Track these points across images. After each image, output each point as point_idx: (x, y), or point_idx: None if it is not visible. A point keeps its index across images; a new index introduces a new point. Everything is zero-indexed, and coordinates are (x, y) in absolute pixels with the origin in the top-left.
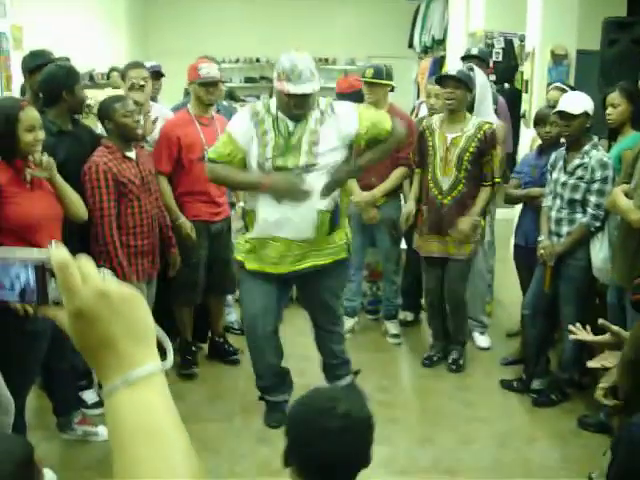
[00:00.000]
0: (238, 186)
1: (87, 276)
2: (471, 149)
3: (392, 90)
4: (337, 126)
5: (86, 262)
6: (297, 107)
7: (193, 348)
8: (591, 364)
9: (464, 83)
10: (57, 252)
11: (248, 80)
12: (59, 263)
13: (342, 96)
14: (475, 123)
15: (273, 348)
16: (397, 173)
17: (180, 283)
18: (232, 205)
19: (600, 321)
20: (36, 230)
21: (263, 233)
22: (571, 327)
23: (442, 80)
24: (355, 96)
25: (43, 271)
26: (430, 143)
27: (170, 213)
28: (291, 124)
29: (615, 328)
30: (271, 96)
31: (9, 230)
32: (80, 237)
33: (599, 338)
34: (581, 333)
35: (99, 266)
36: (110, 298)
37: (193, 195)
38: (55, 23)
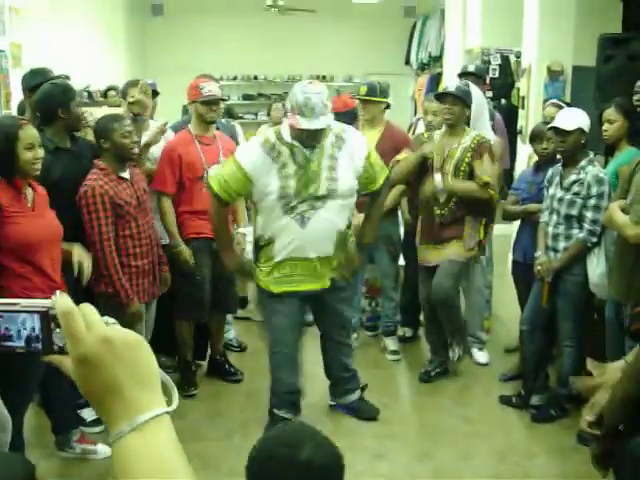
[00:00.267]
0: (214, 237)
1: (91, 323)
2: (466, 159)
3: (388, 107)
4: (351, 153)
5: (90, 309)
6: (310, 139)
7: (193, 368)
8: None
9: (462, 99)
10: (61, 300)
11: (246, 97)
12: (63, 311)
13: (337, 115)
14: (472, 135)
15: (296, 366)
16: (394, 191)
17: (186, 301)
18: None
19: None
20: (36, 250)
21: (287, 255)
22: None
23: (441, 96)
24: (350, 115)
25: (48, 319)
26: (430, 156)
27: (170, 237)
28: (307, 151)
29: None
30: (269, 114)
31: (9, 249)
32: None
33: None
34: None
35: (101, 295)
36: (114, 344)
37: (194, 213)
38: (54, 40)
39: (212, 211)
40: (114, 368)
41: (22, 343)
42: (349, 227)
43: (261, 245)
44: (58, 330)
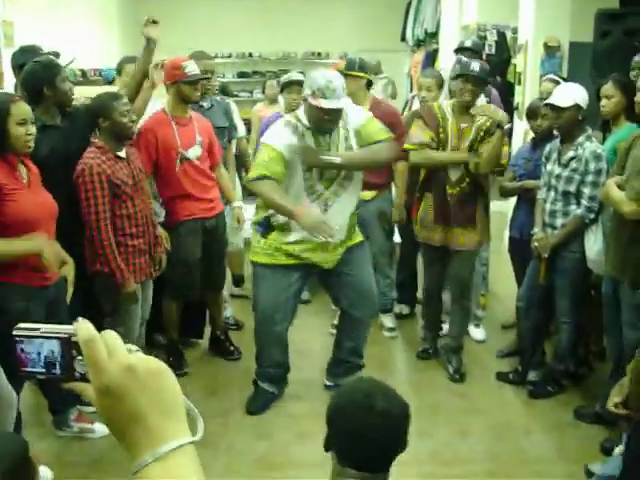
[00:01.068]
0: (274, 207)
1: (113, 351)
2: (479, 138)
3: (370, 85)
4: (353, 126)
5: (112, 336)
6: (330, 122)
7: (180, 346)
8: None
9: (483, 79)
10: (82, 327)
11: (241, 75)
12: (85, 338)
13: None
14: (484, 109)
15: (283, 345)
16: (400, 169)
17: (177, 281)
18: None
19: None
20: (33, 227)
21: (303, 238)
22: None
23: (464, 77)
24: None
25: (69, 345)
26: (442, 131)
27: None
28: (326, 136)
29: None
30: (264, 91)
31: (6, 226)
32: (73, 235)
33: None
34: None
35: (97, 272)
36: (137, 373)
37: (180, 198)
38: (47, 19)
39: (259, 187)
40: (138, 398)
41: (42, 369)
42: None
43: (274, 225)
44: (80, 357)
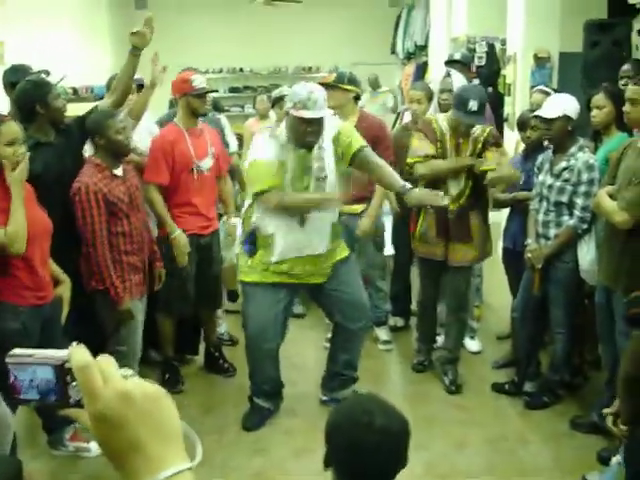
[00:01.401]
0: (306, 207)
1: (108, 377)
2: (477, 151)
3: (358, 98)
4: (328, 139)
5: (107, 362)
6: (312, 134)
7: (175, 363)
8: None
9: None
10: (77, 353)
11: (232, 90)
12: (79, 365)
13: None
14: (479, 126)
15: (275, 361)
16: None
17: (171, 296)
18: (220, 216)
19: None
20: (28, 243)
21: (285, 256)
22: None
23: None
24: None
25: (63, 371)
26: (440, 145)
27: (165, 225)
28: (302, 151)
29: None
30: (255, 106)
31: None
32: (68, 252)
33: None
34: None
35: (94, 293)
36: (134, 400)
37: (182, 208)
38: (37, 37)
39: (282, 201)
40: (135, 425)
41: (36, 395)
42: (340, 216)
43: (260, 238)
44: (74, 383)
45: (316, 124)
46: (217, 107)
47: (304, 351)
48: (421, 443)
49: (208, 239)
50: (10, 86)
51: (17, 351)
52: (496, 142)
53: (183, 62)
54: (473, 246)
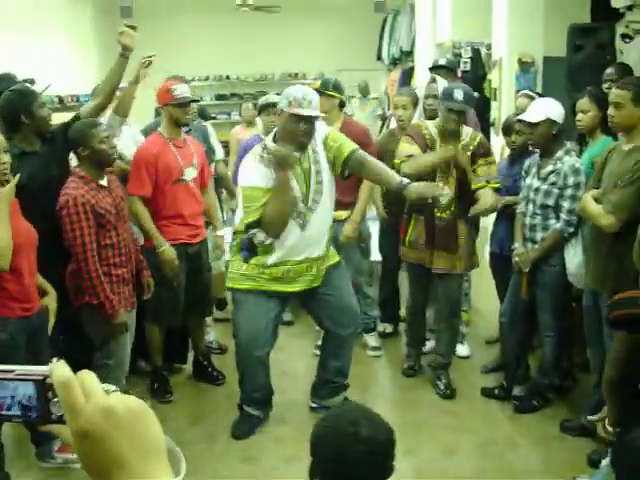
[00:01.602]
0: (285, 207)
1: (90, 392)
2: (468, 159)
3: (342, 105)
4: (320, 140)
5: (89, 377)
6: (305, 134)
7: (164, 373)
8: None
9: (468, 107)
10: (58, 369)
11: (219, 97)
12: (60, 381)
13: None
14: (468, 132)
15: (266, 369)
16: (366, 188)
17: (161, 307)
18: (207, 224)
19: None
20: (16, 254)
21: (282, 259)
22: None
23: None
24: None
25: (44, 387)
26: (429, 151)
27: (152, 239)
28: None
29: None
30: (241, 113)
31: None
32: (54, 263)
33: None
34: None
35: (84, 304)
36: (116, 415)
37: (169, 219)
38: (22, 46)
39: (274, 220)
40: (117, 441)
41: (18, 412)
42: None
43: (257, 246)
44: (56, 399)
45: (310, 123)
46: (203, 115)
47: (293, 358)
48: (411, 449)
49: (197, 247)
50: None
51: None
52: (485, 152)
53: (169, 70)
54: (458, 256)
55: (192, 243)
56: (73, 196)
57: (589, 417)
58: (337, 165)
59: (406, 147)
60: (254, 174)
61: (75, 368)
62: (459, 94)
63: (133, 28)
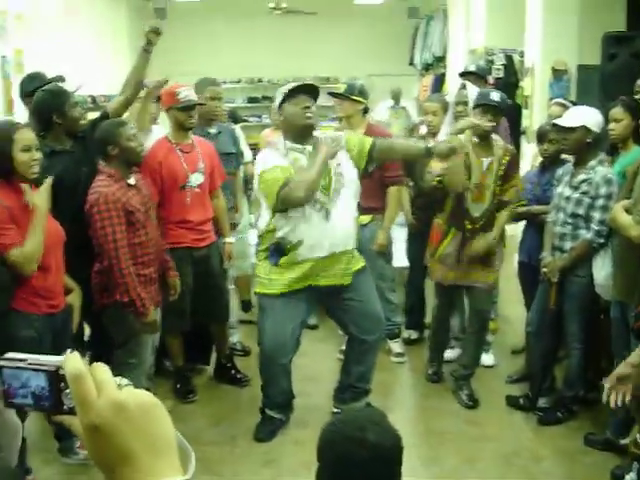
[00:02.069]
0: (319, 176)
1: (102, 386)
2: (500, 172)
3: (366, 111)
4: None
5: (101, 370)
6: (309, 114)
7: (187, 373)
8: (612, 401)
9: (503, 110)
10: (70, 362)
11: (250, 100)
12: (72, 374)
13: None
14: (500, 145)
15: (288, 375)
16: (394, 194)
17: (167, 311)
18: (233, 226)
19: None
20: (44, 253)
21: (310, 254)
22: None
23: (483, 107)
24: None
25: (57, 378)
26: (465, 159)
27: None
28: (308, 146)
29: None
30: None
31: None
32: (79, 260)
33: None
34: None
35: (113, 305)
36: (127, 410)
37: (174, 223)
38: (56, 47)
39: (307, 185)
40: (128, 436)
41: (30, 401)
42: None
43: (287, 248)
44: (68, 390)
45: (310, 102)
46: (235, 117)
47: (317, 363)
48: (432, 457)
49: (204, 251)
50: (27, 96)
51: (10, 355)
52: (516, 169)
53: (202, 72)
54: (492, 268)
55: (198, 247)
56: (104, 194)
57: (622, 441)
58: (361, 158)
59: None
60: (272, 158)
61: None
62: (496, 95)
63: (158, 33)
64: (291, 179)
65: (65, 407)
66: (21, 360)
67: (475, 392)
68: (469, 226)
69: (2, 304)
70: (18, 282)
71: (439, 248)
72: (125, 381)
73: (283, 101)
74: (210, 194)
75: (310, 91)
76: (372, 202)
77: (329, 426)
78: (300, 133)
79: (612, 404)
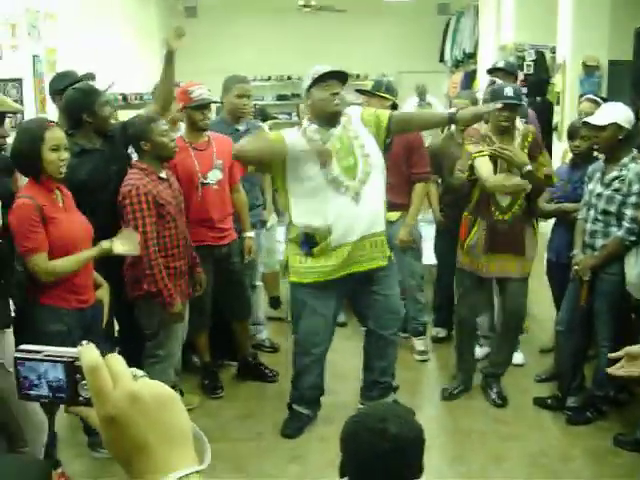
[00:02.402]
0: (266, 155)
1: (118, 378)
2: (524, 150)
3: (395, 107)
4: (356, 119)
5: (117, 361)
6: (336, 101)
7: (214, 369)
8: (612, 370)
9: (518, 104)
10: (86, 353)
11: (280, 98)
12: (89, 366)
13: None
14: (520, 130)
15: (321, 368)
16: (419, 191)
17: (189, 309)
18: (252, 226)
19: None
20: (72, 249)
21: (343, 239)
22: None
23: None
24: None
25: (73, 369)
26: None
27: None
28: (332, 130)
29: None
30: (298, 114)
31: (48, 250)
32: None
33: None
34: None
35: (140, 295)
36: (143, 401)
37: (195, 222)
38: (88, 45)
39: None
40: (143, 427)
41: (46, 392)
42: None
43: (315, 236)
44: (84, 382)
45: (339, 88)
46: (265, 114)
47: (345, 360)
48: (459, 455)
49: (226, 249)
50: (57, 94)
51: (26, 347)
52: (539, 149)
53: (232, 69)
54: (525, 258)
55: (219, 245)
56: (136, 186)
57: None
58: (380, 134)
59: (470, 147)
60: (291, 134)
61: (129, 359)
62: (509, 91)
63: (181, 34)
64: (276, 145)
65: (81, 398)
66: (37, 352)
67: (503, 390)
68: (499, 216)
69: (20, 299)
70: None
71: (466, 239)
72: (140, 372)
73: (312, 85)
74: (230, 188)
75: (339, 77)
76: (401, 198)
77: (352, 418)
78: (327, 118)
79: (609, 371)
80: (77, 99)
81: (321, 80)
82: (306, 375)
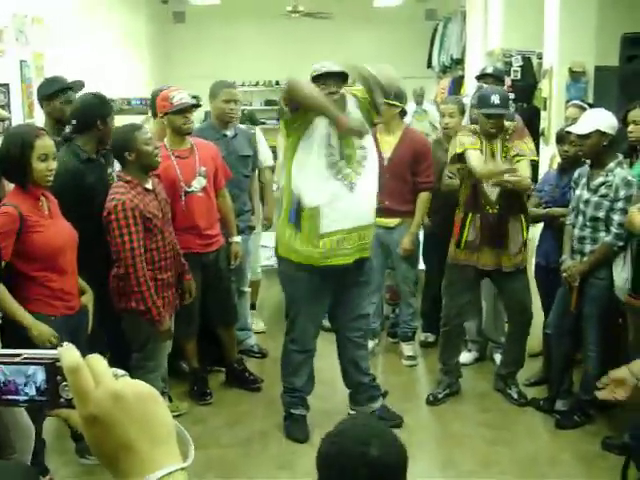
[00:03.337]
0: (316, 107)
1: (99, 377)
2: (511, 152)
3: (404, 114)
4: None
5: (98, 361)
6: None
7: (203, 375)
8: (601, 395)
9: (505, 112)
10: (67, 354)
11: (268, 103)
12: (69, 366)
13: None
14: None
15: (312, 367)
16: (424, 199)
17: (176, 316)
18: (241, 231)
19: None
20: (57, 256)
21: (334, 227)
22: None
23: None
24: None
25: (54, 371)
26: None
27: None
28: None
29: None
30: None
31: (33, 258)
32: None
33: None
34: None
35: (129, 311)
36: (125, 401)
37: (181, 230)
38: (76, 50)
39: (298, 84)
40: (126, 426)
41: (25, 396)
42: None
43: (304, 211)
44: (65, 383)
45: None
46: (253, 120)
47: (333, 366)
48: (449, 460)
49: (213, 256)
50: (45, 99)
51: (4, 351)
52: (520, 135)
53: (220, 75)
54: (507, 253)
55: (206, 252)
56: (122, 201)
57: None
58: (371, 105)
59: (465, 138)
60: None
61: (122, 365)
62: (495, 98)
63: None
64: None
65: (62, 400)
66: (16, 355)
67: (489, 395)
68: (491, 210)
69: None
70: (37, 284)
71: (462, 236)
72: (121, 372)
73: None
74: (215, 193)
75: (337, 76)
76: (403, 205)
77: (329, 437)
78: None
79: (599, 396)
80: (95, 104)
81: (317, 80)
82: (296, 373)
